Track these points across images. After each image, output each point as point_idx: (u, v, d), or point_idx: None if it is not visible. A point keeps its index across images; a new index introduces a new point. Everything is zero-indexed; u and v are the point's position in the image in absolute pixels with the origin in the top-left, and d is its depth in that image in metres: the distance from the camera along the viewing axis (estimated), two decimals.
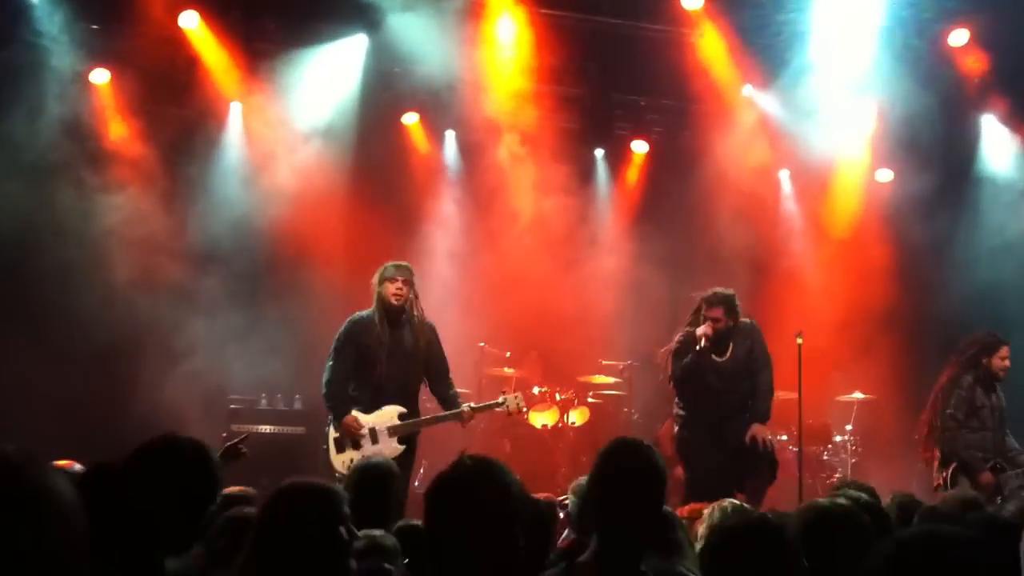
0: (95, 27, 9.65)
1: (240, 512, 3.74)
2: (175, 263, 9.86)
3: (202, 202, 10.19)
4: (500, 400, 7.43)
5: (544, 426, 10.63)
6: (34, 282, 9.31)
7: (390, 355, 7.15)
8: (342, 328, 7.23)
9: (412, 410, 7.24)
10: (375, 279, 7.25)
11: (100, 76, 9.94)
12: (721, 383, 7.75)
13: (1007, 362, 7.99)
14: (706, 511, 4.32)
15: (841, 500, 3.67)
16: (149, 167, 9.93)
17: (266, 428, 8.96)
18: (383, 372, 7.15)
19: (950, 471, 7.84)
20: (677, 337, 7.88)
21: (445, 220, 11.49)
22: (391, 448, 6.97)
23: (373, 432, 7.04)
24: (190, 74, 9.93)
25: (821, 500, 3.82)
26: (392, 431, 7.06)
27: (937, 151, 11.28)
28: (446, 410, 7.33)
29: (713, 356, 7.72)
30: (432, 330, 7.39)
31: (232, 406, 9.50)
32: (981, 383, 7.97)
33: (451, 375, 7.50)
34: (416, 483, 10.16)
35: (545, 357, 11.46)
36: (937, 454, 7.96)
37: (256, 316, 9.78)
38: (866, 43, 10.04)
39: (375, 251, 10.25)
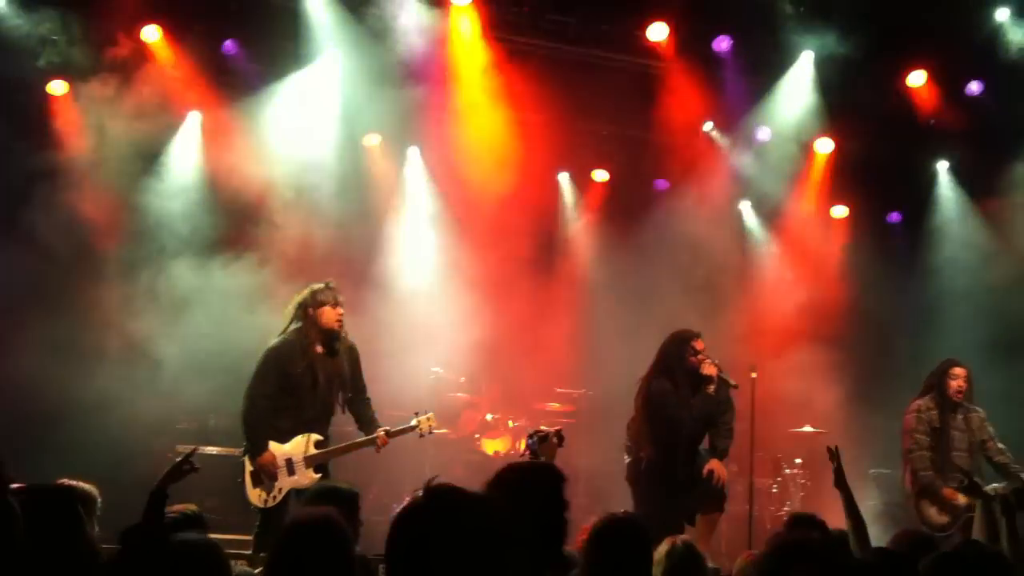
0: (55, 37, 9.49)
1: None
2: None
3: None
4: (413, 423, 7.29)
5: (496, 453, 10.57)
6: None
7: (321, 382, 7.00)
8: (264, 356, 6.96)
9: (327, 436, 7.09)
10: (305, 300, 7.03)
11: (58, 87, 9.79)
12: (695, 428, 7.60)
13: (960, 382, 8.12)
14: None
15: None
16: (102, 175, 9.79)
17: (213, 449, 8.66)
18: (311, 400, 7.00)
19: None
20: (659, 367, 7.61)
21: (402, 244, 11.40)
22: (308, 478, 6.85)
23: (289, 463, 6.88)
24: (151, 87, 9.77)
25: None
26: (308, 461, 6.91)
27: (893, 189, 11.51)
28: (364, 432, 7.18)
29: (690, 400, 7.52)
30: (356, 351, 7.26)
31: (179, 426, 9.31)
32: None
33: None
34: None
35: (500, 384, 11.40)
36: None
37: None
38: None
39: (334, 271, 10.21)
